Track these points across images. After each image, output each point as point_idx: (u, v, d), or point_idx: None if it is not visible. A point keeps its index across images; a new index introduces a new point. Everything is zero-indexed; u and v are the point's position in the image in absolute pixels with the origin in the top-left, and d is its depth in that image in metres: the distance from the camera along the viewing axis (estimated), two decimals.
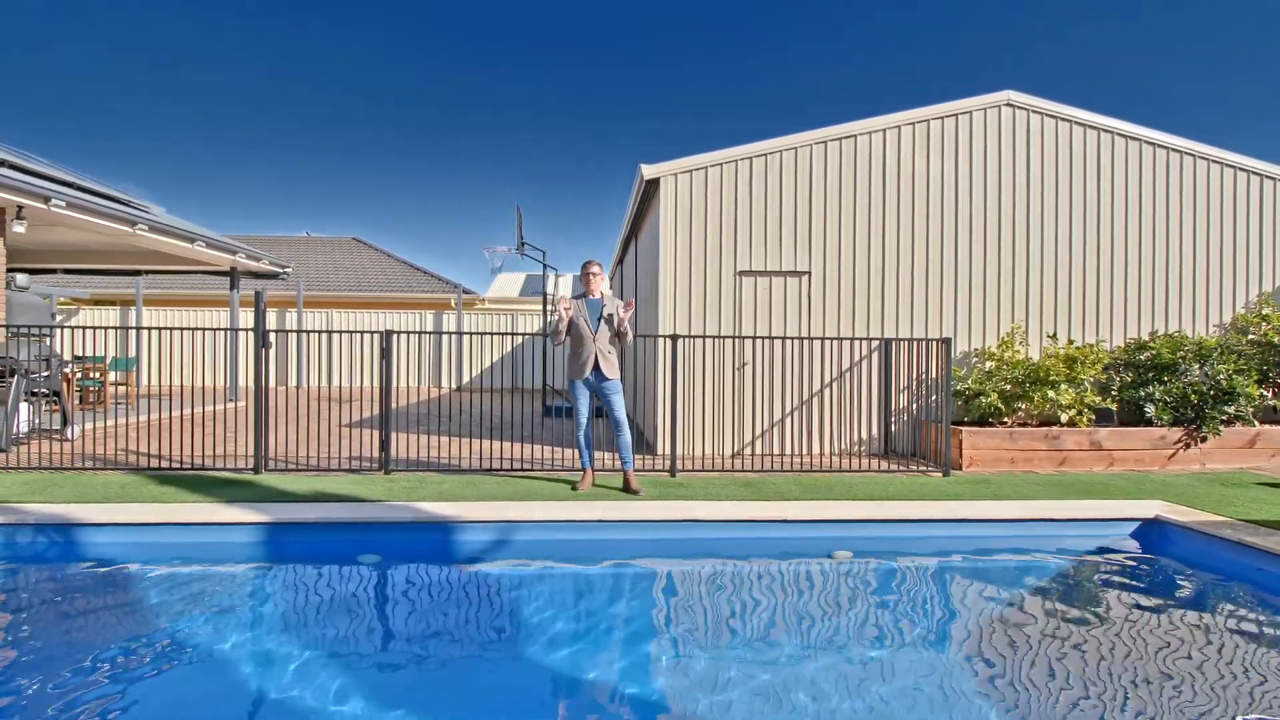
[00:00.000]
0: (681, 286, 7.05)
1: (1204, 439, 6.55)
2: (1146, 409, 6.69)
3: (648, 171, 6.99)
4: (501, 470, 5.96)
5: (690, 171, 7.01)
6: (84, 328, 5.72)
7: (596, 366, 5.14)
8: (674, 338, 5.96)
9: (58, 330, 10.85)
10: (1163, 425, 6.64)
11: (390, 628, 3.28)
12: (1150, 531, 4.50)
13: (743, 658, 2.91)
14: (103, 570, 3.86)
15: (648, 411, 8.07)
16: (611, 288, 15.43)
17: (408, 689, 2.70)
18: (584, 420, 5.27)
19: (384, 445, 5.74)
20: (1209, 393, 6.51)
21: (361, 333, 5.99)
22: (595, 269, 5.28)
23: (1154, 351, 6.85)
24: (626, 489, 5.21)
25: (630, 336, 5.24)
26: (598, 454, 6.66)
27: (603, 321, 5.15)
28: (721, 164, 7.04)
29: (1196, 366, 6.66)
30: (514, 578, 3.88)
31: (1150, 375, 6.84)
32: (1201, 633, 3.23)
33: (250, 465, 5.79)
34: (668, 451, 6.43)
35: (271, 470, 5.78)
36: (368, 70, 46.26)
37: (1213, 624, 3.37)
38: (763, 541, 4.40)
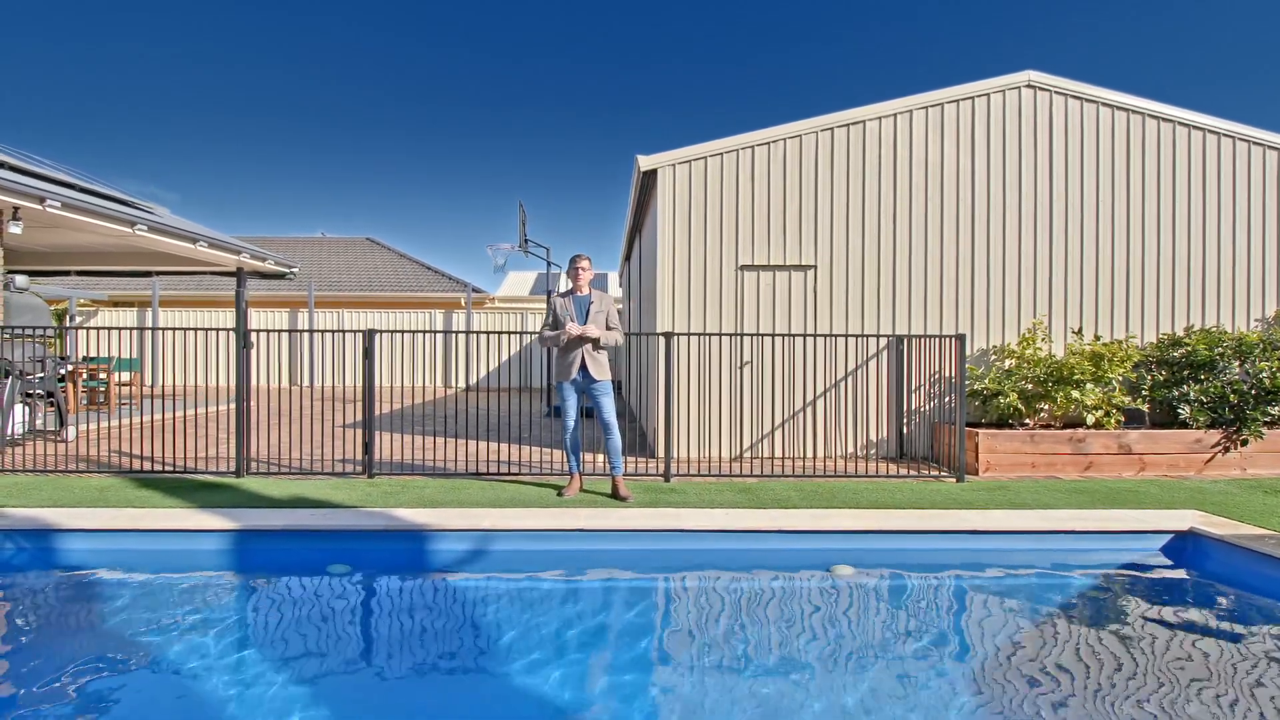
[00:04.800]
0: (680, 282, 6.75)
1: (1244, 442, 6.07)
2: (1181, 410, 6.23)
3: (644, 163, 6.71)
4: (490, 474, 5.74)
5: (689, 162, 6.71)
6: (83, 328, 5.64)
7: (584, 367, 4.88)
8: (669, 335, 5.68)
9: (65, 331, 10.94)
10: (1199, 427, 6.16)
11: (350, 643, 3.06)
12: (1184, 545, 4.10)
13: (722, 683, 2.63)
14: (58, 576, 3.72)
15: (647, 411, 7.80)
16: (622, 286, 15.17)
17: (363, 708, 2.49)
18: (571, 423, 5.01)
19: (367, 448, 5.55)
20: (1250, 392, 6.03)
21: (345, 332, 5.81)
22: (584, 264, 5.02)
23: (1189, 348, 6.38)
24: (615, 495, 4.95)
25: (618, 338, 4.96)
26: (591, 456, 6.41)
27: (591, 319, 4.89)
28: (722, 154, 6.73)
29: (1236, 364, 6.18)
30: (483, 591, 3.64)
31: (1185, 373, 6.37)
32: (1241, 662, 2.86)
33: (233, 468, 5.65)
34: (664, 454, 6.14)
35: (254, 474, 5.63)
36: (375, 68, 46.72)
37: (1254, 652, 2.99)
38: (756, 554, 4.10)
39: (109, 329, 5.75)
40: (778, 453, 6.76)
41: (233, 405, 10.69)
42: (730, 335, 6.31)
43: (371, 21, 43.49)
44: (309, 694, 2.54)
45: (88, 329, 6.46)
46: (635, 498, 4.92)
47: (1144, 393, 6.48)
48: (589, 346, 4.89)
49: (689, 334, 6.17)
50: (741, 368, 6.73)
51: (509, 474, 5.77)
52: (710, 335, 6.38)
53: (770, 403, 6.74)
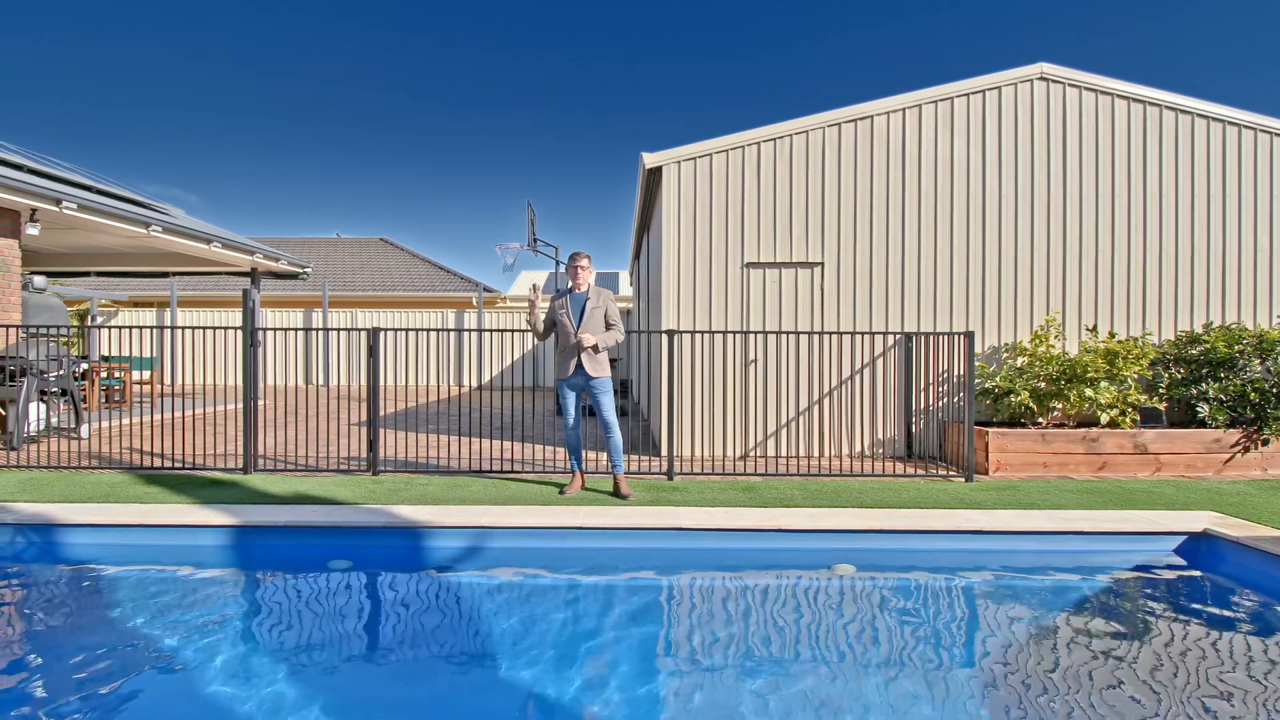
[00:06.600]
0: (685, 280, 6.71)
1: (1265, 442, 5.90)
2: (1199, 408, 6.07)
3: (649, 160, 6.68)
4: (492, 472, 5.75)
5: (694, 159, 6.67)
6: (104, 328, 5.76)
7: (581, 365, 4.86)
8: (672, 333, 5.64)
9: (86, 331, 11.16)
10: (1218, 426, 6.00)
11: (349, 638, 3.07)
12: (1198, 547, 3.99)
13: (719, 681, 2.60)
14: (66, 570, 3.78)
15: (653, 410, 7.77)
16: (632, 284, 15.15)
17: (362, 702, 2.50)
18: (571, 421, 5.00)
19: (371, 446, 5.59)
20: (1271, 390, 5.86)
21: (351, 330, 5.86)
22: (583, 261, 5.01)
23: (1208, 345, 6.22)
24: (616, 493, 4.93)
25: (618, 337, 4.94)
26: (595, 455, 6.39)
27: (587, 316, 4.87)
28: (727, 150, 6.67)
29: (1257, 362, 6.01)
30: (481, 587, 3.63)
31: (1204, 371, 6.21)
32: (1253, 665, 2.76)
33: (241, 465, 5.71)
34: (667, 453, 6.11)
35: (261, 470, 5.69)
36: (386, 69, 47.19)
37: (1267, 654, 2.89)
38: (755, 553, 4.05)
39: (128, 328, 5.85)
40: (784, 451, 6.69)
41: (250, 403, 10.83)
42: (735, 333, 6.24)
43: (380, 22, 44.02)
44: (309, 688, 2.55)
45: (108, 328, 6.57)
46: (637, 496, 4.90)
47: (1161, 391, 6.33)
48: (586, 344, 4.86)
49: (693, 331, 6.12)
50: (747, 366, 6.68)
51: (512, 472, 5.78)
52: (715, 333, 6.33)
53: (776, 401, 6.68)
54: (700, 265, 6.70)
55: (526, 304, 4.75)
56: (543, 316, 5.10)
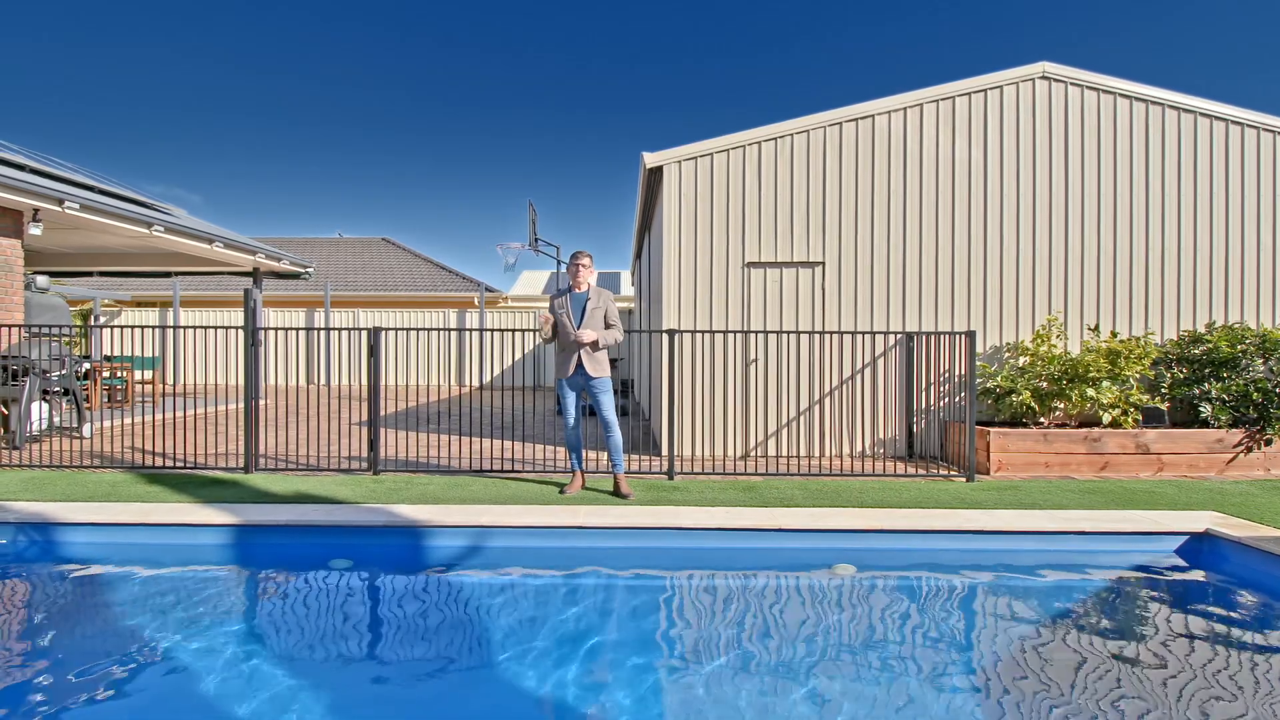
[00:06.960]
0: (686, 280, 6.71)
1: (1268, 442, 5.87)
2: (1202, 408, 6.05)
3: (649, 159, 6.68)
4: (493, 471, 5.75)
5: (695, 158, 6.67)
6: (107, 327, 5.77)
7: (581, 365, 4.86)
8: (672, 333, 5.64)
9: (90, 330, 11.18)
10: (1220, 426, 5.98)
11: (349, 637, 3.07)
12: (1200, 547, 3.98)
13: (717, 682, 2.59)
14: (67, 568, 3.78)
15: (654, 410, 7.77)
16: (634, 285, 15.16)
17: (361, 701, 2.50)
18: (571, 420, 5.00)
19: (372, 445, 5.59)
20: (1274, 390, 5.84)
21: (352, 330, 5.88)
22: (585, 260, 5.01)
23: (1211, 345, 6.20)
24: (616, 493, 4.93)
25: (618, 336, 4.94)
26: (595, 454, 6.39)
27: (587, 316, 4.87)
28: (728, 149, 6.67)
29: (1260, 361, 5.99)
30: (480, 586, 3.63)
31: (1206, 371, 6.19)
32: (1256, 666, 2.75)
33: (242, 465, 5.73)
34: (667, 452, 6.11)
35: (262, 470, 5.70)
36: (387, 69, 47.25)
37: (1267, 656, 2.88)
38: (755, 552, 4.05)
39: (130, 327, 5.86)
40: (785, 451, 6.68)
41: (251, 402, 10.85)
42: (735, 333, 6.23)
43: (380, 22, 44.14)
44: (309, 687, 2.55)
45: (111, 328, 6.60)
46: (637, 495, 4.90)
47: (1163, 391, 6.31)
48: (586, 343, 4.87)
49: (694, 331, 6.12)
50: (748, 365, 6.67)
51: (512, 471, 5.78)
52: (715, 333, 6.32)
53: (777, 401, 6.68)
54: (701, 265, 6.70)
55: (541, 325, 4.79)
56: (545, 337, 5.05)
